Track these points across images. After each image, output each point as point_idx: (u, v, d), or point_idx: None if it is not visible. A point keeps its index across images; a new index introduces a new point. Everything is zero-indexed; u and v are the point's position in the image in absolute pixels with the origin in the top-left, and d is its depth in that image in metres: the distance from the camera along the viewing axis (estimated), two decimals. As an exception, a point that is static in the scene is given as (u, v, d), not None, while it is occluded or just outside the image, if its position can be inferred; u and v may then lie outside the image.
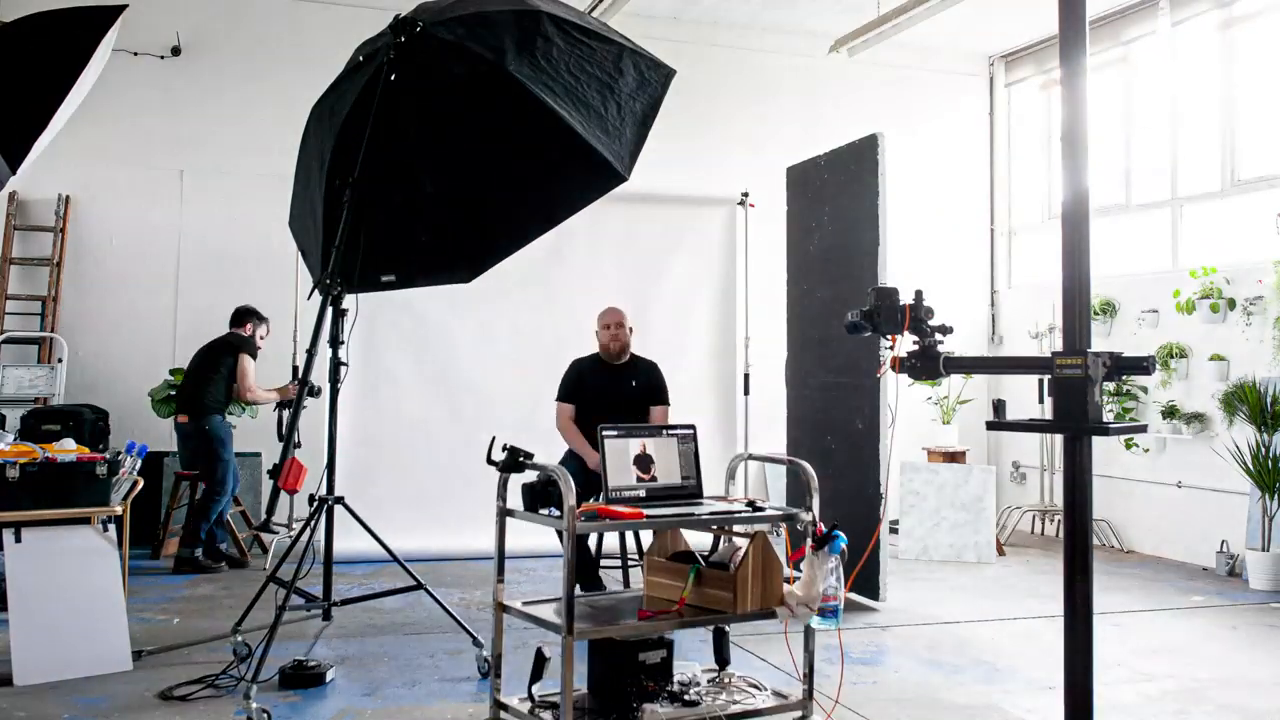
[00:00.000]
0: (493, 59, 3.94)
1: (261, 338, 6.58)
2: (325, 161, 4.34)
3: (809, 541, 3.37)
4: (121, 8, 3.88)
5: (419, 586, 4.41)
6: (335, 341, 4.19)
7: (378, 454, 6.90)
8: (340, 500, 4.34)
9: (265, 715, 3.64)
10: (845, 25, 8.12)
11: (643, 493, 3.57)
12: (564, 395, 5.45)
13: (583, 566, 5.17)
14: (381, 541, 4.38)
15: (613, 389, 5.40)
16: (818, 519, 3.50)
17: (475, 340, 7.21)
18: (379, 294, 6.91)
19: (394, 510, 6.85)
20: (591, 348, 5.63)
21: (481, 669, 4.24)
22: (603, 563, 5.37)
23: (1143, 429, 2.83)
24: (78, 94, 3.92)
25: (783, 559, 3.54)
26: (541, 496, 3.36)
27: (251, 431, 7.00)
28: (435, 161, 4.41)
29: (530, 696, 3.42)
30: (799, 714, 3.59)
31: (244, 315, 6.56)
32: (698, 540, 3.79)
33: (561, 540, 3.22)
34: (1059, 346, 2.49)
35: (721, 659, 3.82)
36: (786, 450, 6.35)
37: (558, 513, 3.28)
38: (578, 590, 3.85)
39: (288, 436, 3.80)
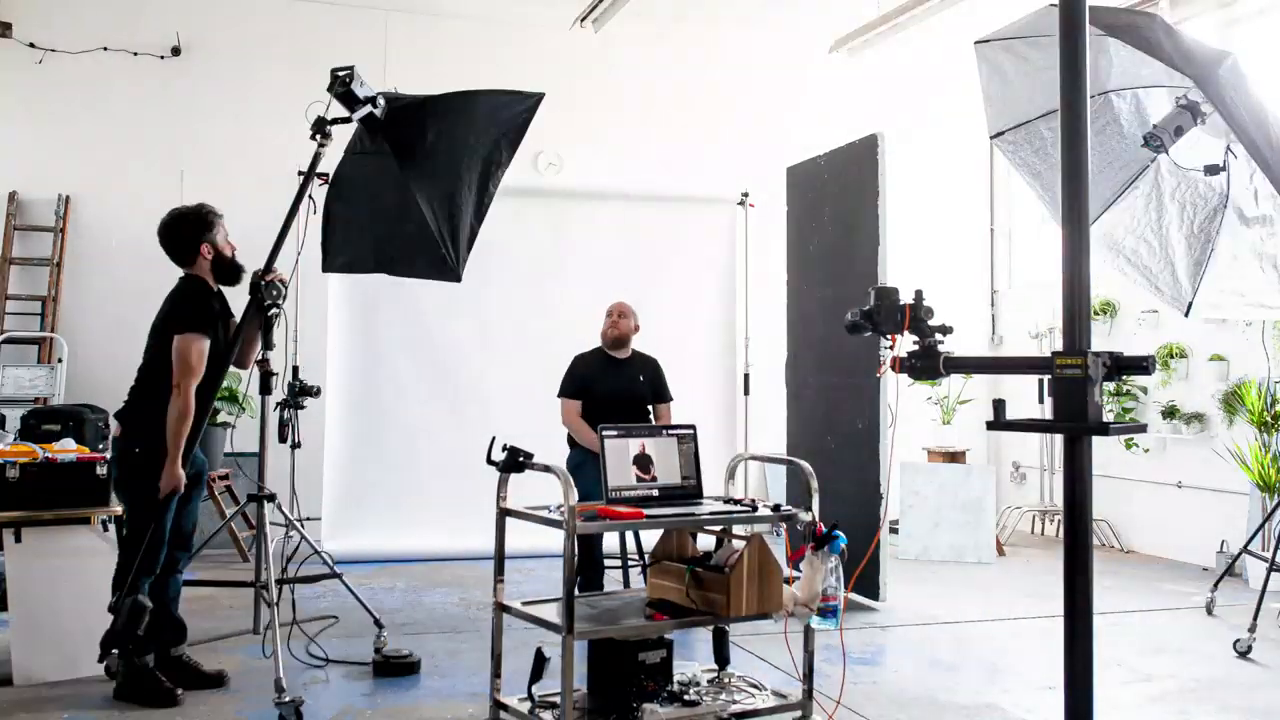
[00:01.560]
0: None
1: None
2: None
3: (809, 542, 3.37)
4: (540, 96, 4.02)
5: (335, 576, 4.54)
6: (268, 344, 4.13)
7: (378, 454, 6.91)
8: (271, 497, 4.36)
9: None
10: (845, 25, 8.12)
11: (642, 493, 3.57)
12: (568, 391, 5.43)
13: (589, 565, 5.16)
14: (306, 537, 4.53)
15: (618, 382, 5.39)
16: (818, 519, 3.50)
17: (475, 340, 7.22)
18: (378, 294, 6.93)
19: (394, 510, 6.87)
20: (594, 345, 5.62)
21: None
22: (604, 563, 5.37)
23: (1143, 429, 2.83)
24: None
25: (782, 559, 3.55)
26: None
27: (252, 432, 6.99)
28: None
29: (530, 696, 3.43)
30: (799, 714, 3.59)
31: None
32: (706, 542, 3.79)
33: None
34: (1059, 346, 2.49)
35: (721, 659, 3.82)
36: (786, 450, 6.35)
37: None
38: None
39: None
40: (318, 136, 3.96)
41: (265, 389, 4.24)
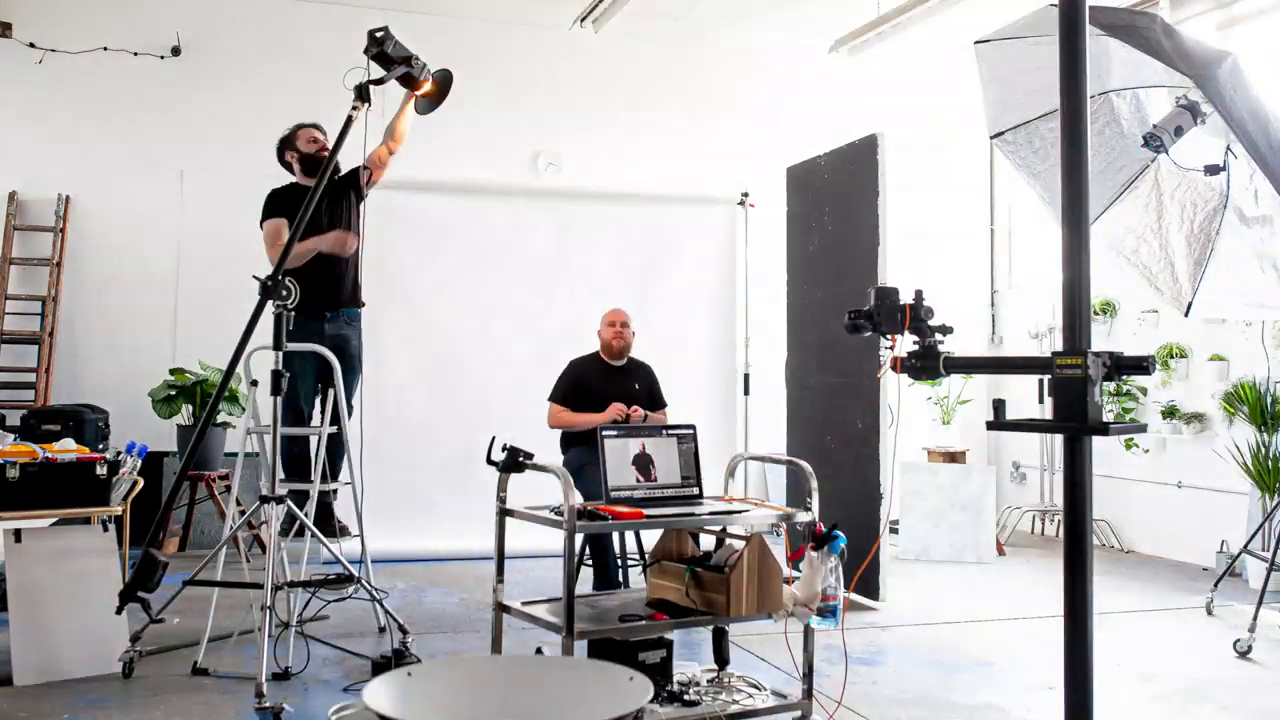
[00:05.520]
0: None
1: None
2: None
3: (809, 542, 3.37)
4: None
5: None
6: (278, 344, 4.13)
7: (377, 454, 6.88)
8: (281, 499, 4.29)
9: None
10: (845, 25, 8.12)
11: (642, 493, 3.57)
12: (559, 396, 5.45)
13: (604, 562, 5.15)
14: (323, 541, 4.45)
15: (615, 389, 5.39)
16: (817, 519, 3.51)
17: (476, 340, 7.22)
18: (378, 294, 6.92)
19: (395, 510, 6.86)
20: (591, 348, 5.63)
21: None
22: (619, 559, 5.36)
23: (1143, 429, 2.83)
24: None
25: (782, 559, 3.55)
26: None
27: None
28: None
29: (530, 696, 3.42)
30: (799, 714, 3.59)
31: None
32: (707, 542, 3.79)
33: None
34: (1059, 346, 2.49)
35: (721, 659, 3.82)
36: (786, 450, 6.35)
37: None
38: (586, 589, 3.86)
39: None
40: (356, 102, 3.96)
41: (275, 390, 4.23)
